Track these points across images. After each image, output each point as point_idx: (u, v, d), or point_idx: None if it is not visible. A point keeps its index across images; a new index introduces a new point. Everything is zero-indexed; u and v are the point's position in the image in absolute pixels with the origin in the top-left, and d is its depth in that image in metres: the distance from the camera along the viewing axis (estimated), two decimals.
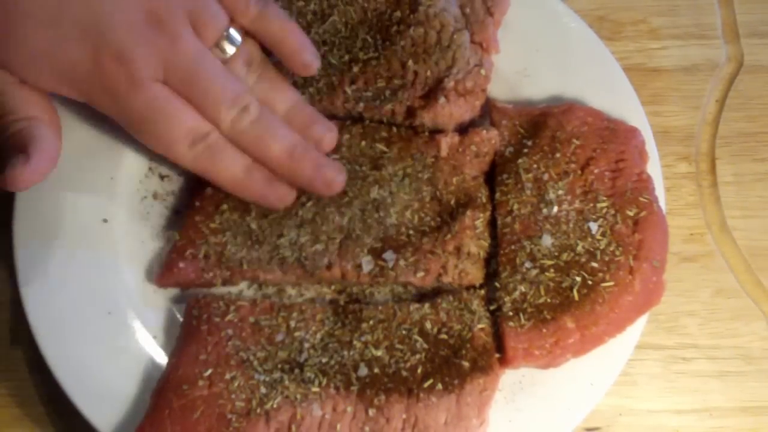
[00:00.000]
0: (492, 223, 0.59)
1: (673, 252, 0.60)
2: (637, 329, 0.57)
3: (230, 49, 0.54)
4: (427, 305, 0.57)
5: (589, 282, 0.55)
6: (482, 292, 0.57)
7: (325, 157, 0.57)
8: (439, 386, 0.53)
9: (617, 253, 0.56)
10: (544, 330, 0.54)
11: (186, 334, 0.57)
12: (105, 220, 0.60)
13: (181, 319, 0.58)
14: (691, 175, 0.66)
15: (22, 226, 0.59)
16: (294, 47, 0.56)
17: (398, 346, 0.55)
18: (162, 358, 0.57)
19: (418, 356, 0.55)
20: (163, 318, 0.58)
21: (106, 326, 0.57)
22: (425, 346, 0.55)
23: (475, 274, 0.58)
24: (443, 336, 0.55)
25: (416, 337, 0.55)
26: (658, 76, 0.69)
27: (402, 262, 0.57)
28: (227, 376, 0.54)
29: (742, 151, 0.66)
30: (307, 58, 0.56)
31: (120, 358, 0.56)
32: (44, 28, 0.50)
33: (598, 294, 0.55)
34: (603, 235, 0.57)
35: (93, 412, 0.55)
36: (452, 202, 0.59)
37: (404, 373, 0.54)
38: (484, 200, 0.60)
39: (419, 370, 0.54)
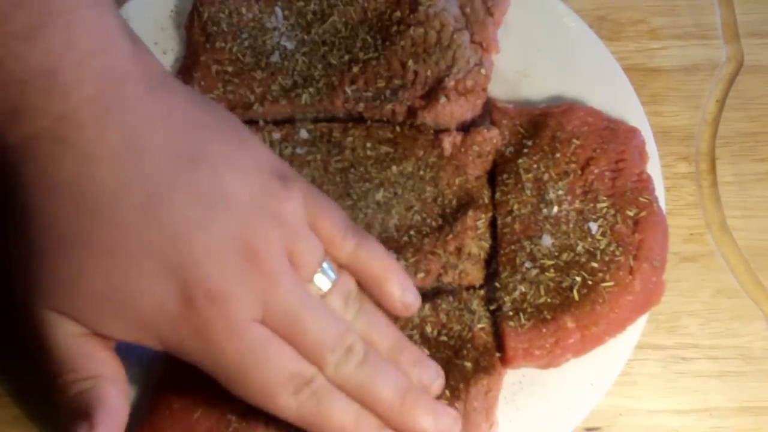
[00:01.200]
0: (492, 224, 0.59)
1: (673, 252, 0.60)
2: (637, 329, 0.57)
3: (326, 284, 0.49)
4: (427, 306, 0.56)
5: (589, 282, 0.55)
6: (482, 292, 0.57)
7: (439, 403, 0.51)
8: (446, 393, 0.53)
9: (617, 253, 0.56)
10: (544, 330, 0.54)
11: None
12: None
13: None
14: (691, 175, 0.66)
15: None
16: (394, 288, 0.51)
17: None
18: (162, 359, 0.57)
19: None
20: None
21: None
22: (426, 352, 0.55)
23: (475, 274, 0.58)
24: (443, 338, 0.55)
25: (418, 342, 0.55)
26: (658, 76, 0.69)
27: (402, 263, 0.57)
28: None
29: (742, 151, 0.66)
30: (409, 299, 0.51)
31: (119, 358, 0.56)
32: (122, 267, 0.44)
33: (598, 294, 0.55)
34: (603, 235, 0.57)
35: None
36: (454, 202, 0.59)
37: None
38: (486, 201, 0.60)
39: None
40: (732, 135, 0.67)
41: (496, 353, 0.55)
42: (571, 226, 0.57)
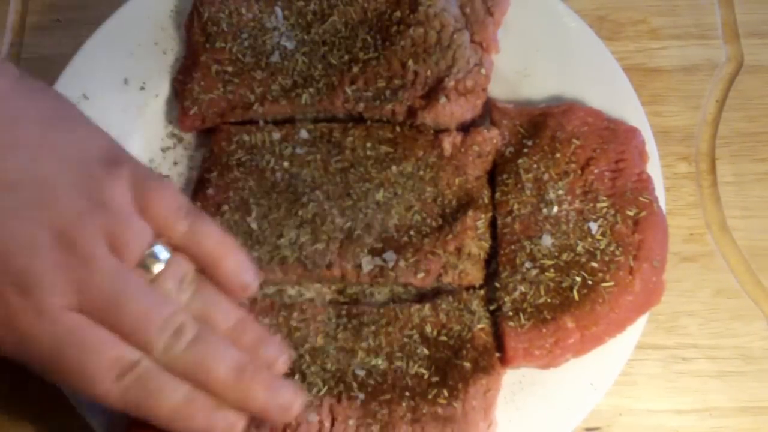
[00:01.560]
0: (492, 224, 0.59)
1: (673, 252, 0.60)
2: (637, 329, 0.57)
3: (156, 267, 0.47)
4: (427, 307, 0.56)
5: (589, 282, 0.55)
6: (482, 292, 0.57)
7: (279, 377, 0.49)
8: (445, 393, 0.53)
9: (617, 253, 0.56)
10: (544, 330, 0.54)
11: None
12: None
13: None
14: (691, 175, 0.66)
15: None
16: (230, 267, 0.49)
17: (399, 354, 0.55)
18: None
19: (420, 362, 0.55)
20: None
21: None
22: (426, 352, 0.55)
23: (475, 274, 0.58)
24: (443, 338, 0.55)
25: (417, 342, 0.55)
26: (658, 76, 0.69)
27: (402, 263, 0.57)
28: None
29: (742, 151, 0.66)
30: (246, 278, 0.50)
31: None
32: None
33: (598, 294, 0.55)
34: (603, 235, 0.57)
35: (93, 412, 0.55)
36: (454, 202, 0.59)
37: (408, 382, 0.54)
38: (486, 201, 0.60)
39: (423, 379, 0.54)
40: (732, 135, 0.67)
41: (496, 353, 0.55)
42: (571, 226, 0.57)
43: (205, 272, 0.49)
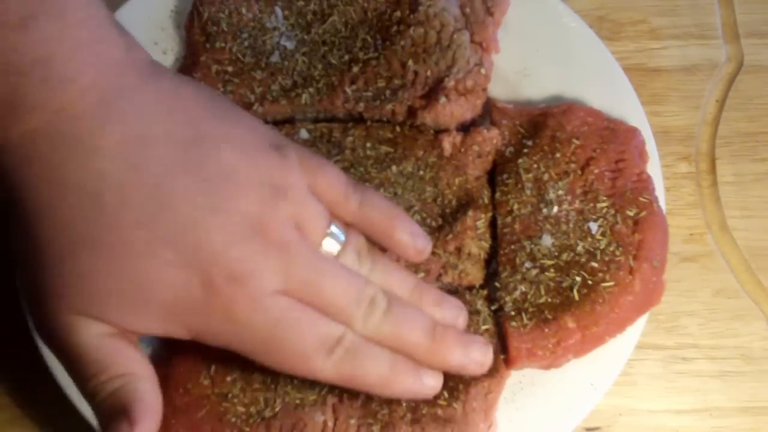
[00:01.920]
0: (492, 224, 0.59)
1: (673, 252, 0.60)
2: (637, 329, 0.57)
3: (336, 246, 0.49)
4: None
5: (590, 282, 0.55)
6: (485, 292, 0.57)
7: (468, 333, 0.53)
8: (445, 394, 0.53)
9: (617, 253, 0.56)
10: (546, 330, 0.54)
11: None
12: None
13: None
14: (691, 175, 0.66)
15: None
16: (404, 236, 0.51)
17: None
18: (162, 359, 0.57)
19: None
20: None
21: None
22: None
23: (475, 274, 0.58)
24: None
25: None
26: (658, 76, 0.69)
27: (402, 262, 0.57)
28: (229, 378, 0.54)
29: (742, 151, 0.67)
30: (420, 243, 0.52)
31: None
32: (139, 261, 0.43)
33: (598, 294, 0.55)
34: (603, 235, 0.57)
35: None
36: (454, 202, 0.59)
37: None
38: (486, 201, 0.60)
39: None
40: (732, 135, 0.67)
41: (501, 355, 0.55)
42: (571, 226, 0.57)
43: (379, 242, 0.52)
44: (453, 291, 0.58)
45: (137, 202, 0.43)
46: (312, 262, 0.47)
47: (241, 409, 0.53)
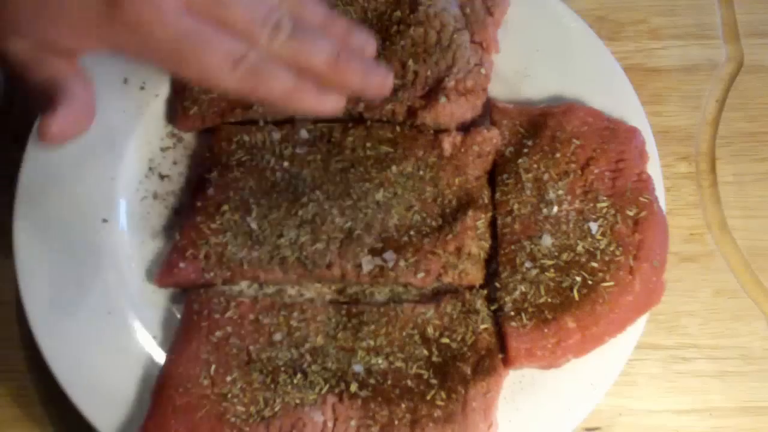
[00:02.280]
0: (492, 224, 0.59)
1: (673, 252, 0.60)
2: (637, 329, 0.57)
3: None
4: (431, 310, 0.56)
5: (590, 282, 0.55)
6: (484, 291, 0.57)
7: (370, 60, 0.54)
8: (443, 394, 0.53)
9: (617, 253, 0.56)
10: (546, 330, 0.54)
11: (186, 329, 0.57)
12: (105, 220, 0.60)
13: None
14: (691, 175, 0.66)
15: (22, 226, 0.59)
16: None
17: (399, 354, 0.55)
18: (162, 358, 0.57)
19: (420, 363, 0.55)
20: (163, 318, 0.58)
21: (106, 326, 0.57)
22: (425, 352, 0.55)
23: (475, 274, 0.58)
24: (445, 340, 0.55)
25: (418, 342, 0.55)
26: (658, 76, 0.69)
27: (402, 263, 0.57)
28: (228, 378, 0.54)
29: (742, 151, 0.66)
30: None
31: (120, 358, 0.56)
32: None
33: (598, 294, 0.55)
34: (603, 235, 0.57)
35: (93, 412, 0.55)
36: (454, 202, 0.59)
37: (408, 382, 0.54)
38: (486, 201, 0.60)
39: (422, 379, 0.54)
40: (732, 135, 0.67)
41: (499, 354, 0.55)
42: (571, 226, 0.57)
43: None
44: (453, 291, 0.58)
45: None
46: None
47: (240, 408, 0.54)
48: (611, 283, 0.55)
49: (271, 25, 0.50)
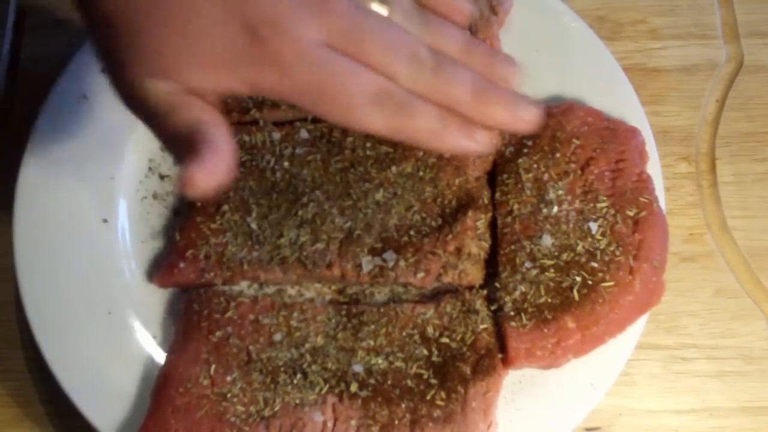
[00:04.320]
0: (492, 224, 0.59)
1: (673, 252, 0.60)
2: (637, 329, 0.57)
3: (382, 7, 0.50)
4: (431, 310, 0.56)
5: (589, 282, 0.55)
6: (484, 291, 0.57)
7: (514, 93, 0.52)
8: (443, 394, 0.53)
9: (617, 253, 0.56)
10: (546, 330, 0.54)
11: (186, 330, 0.57)
12: (105, 220, 0.60)
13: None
14: (691, 175, 0.66)
15: (22, 226, 0.59)
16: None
17: (399, 354, 0.55)
18: (162, 358, 0.57)
19: (420, 363, 0.55)
20: (163, 318, 0.58)
21: (106, 326, 0.57)
22: (425, 352, 0.55)
23: (475, 274, 0.58)
24: (445, 339, 0.55)
25: (417, 342, 0.55)
26: (658, 76, 0.69)
27: (402, 263, 0.57)
28: (228, 378, 0.54)
29: (742, 151, 0.66)
30: (461, 2, 0.52)
31: (120, 358, 0.56)
32: (192, 19, 0.46)
33: (598, 294, 0.55)
34: (603, 235, 0.57)
35: (93, 412, 0.55)
36: (454, 202, 0.59)
37: (408, 382, 0.54)
38: (486, 201, 0.60)
39: (422, 379, 0.54)
40: (732, 135, 0.67)
41: (499, 354, 0.55)
42: (571, 226, 0.57)
43: (423, 5, 0.52)
44: (453, 291, 0.58)
45: None
46: (357, 13, 0.47)
47: (240, 408, 0.54)
48: (611, 283, 0.55)
49: (412, 58, 0.48)
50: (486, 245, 0.59)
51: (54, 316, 0.57)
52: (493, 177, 0.61)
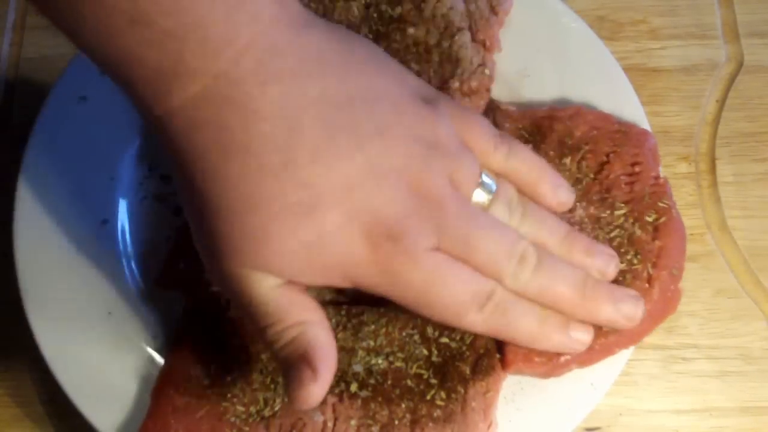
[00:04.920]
0: None
1: None
2: None
3: (487, 196, 0.50)
4: None
5: None
6: None
7: (618, 288, 0.53)
8: (443, 394, 0.53)
9: (635, 261, 0.54)
10: None
11: (186, 330, 0.57)
12: (105, 221, 0.60)
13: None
14: (691, 175, 0.66)
15: (22, 226, 0.59)
16: (548, 188, 0.53)
17: (399, 354, 0.55)
18: (162, 358, 0.57)
19: (420, 362, 0.55)
20: (163, 318, 0.58)
21: (106, 326, 0.57)
22: (425, 352, 0.55)
23: None
24: (445, 339, 0.55)
25: (418, 342, 0.55)
26: (658, 76, 0.69)
27: None
28: (228, 378, 0.54)
29: (742, 151, 0.66)
30: (563, 195, 0.54)
31: (120, 358, 0.56)
32: (304, 222, 0.45)
33: None
34: (620, 244, 0.55)
35: (93, 412, 0.55)
36: None
37: (408, 382, 0.54)
38: None
39: (422, 379, 0.54)
40: (732, 135, 0.67)
41: (497, 354, 0.55)
42: (587, 234, 0.55)
43: (524, 194, 0.53)
44: None
45: (300, 164, 0.44)
46: (465, 217, 0.48)
47: (240, 408, 0.54)
48: None
49: (516, 258, 0.49)
50: None
51: (54, 316, 0.57)
52: None
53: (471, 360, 0.54)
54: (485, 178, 0.50)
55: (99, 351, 0.56)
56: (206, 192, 0.45)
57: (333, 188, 0.45)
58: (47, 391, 0.59)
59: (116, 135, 0.62)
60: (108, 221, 0.60)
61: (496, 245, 0.49)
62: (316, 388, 0.45)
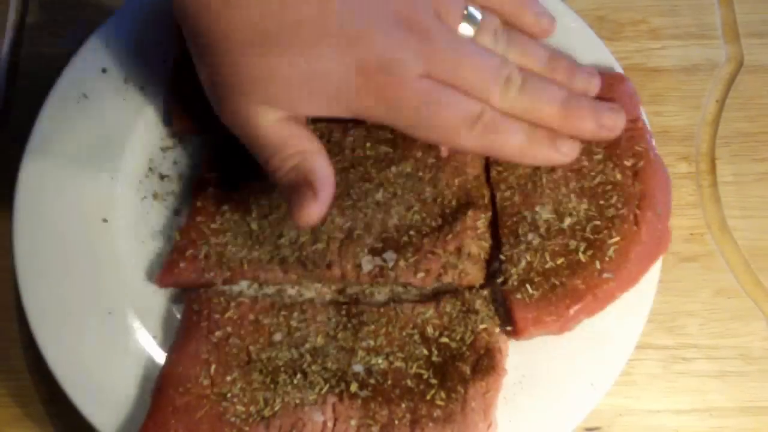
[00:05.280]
0: (493, 224, 0.59)
1: (673, 252, 0.60)
2: (636, 329, 0.57)
3: (472, 28, 0.54)
4: (431, 310, 0.56)
5: (595, 241, 0.55)
6: (485, 292, 0.57)
7: (599, 102, 0.56)
8: (443, 394, 0.53)
9: (619, 206, 0.56)
10: (553, 296, 0.54)
11: (186, 330, 0.57)
12: (105, 220, 0.60)
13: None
14: (691, 175, 0.66)
15: (22, 226, 0.59)
16: (531, 18, 0.57)
17: (399, 354, 0.55)
18: (162, 358, 0.57)
19: (420, 363, 0.55)
20: (163, 318, 0.58)
21: (106, 326, 0.57)
22: (425, 352, 0.55)
23: (475, 274, 0.58)
24: (445, 339, 0.55)
25: (418, 342, 0.56)
26: (658, 76, 0.69)
27: (402, 263, 0.57)
28: (228, 378, 0.54)
29: (742, 151, 0.67)
30: (545, 23, 0.57)
31: (120, 358, 0.56)
32: (309, 56, 0.50)
33: (605, 251, 0.55)
34: (604, 190, 0.57)
35: (93, 412, 0.55)
36: (453, 202, 0.59)
37: (408, 382, 0.54)
38: (486, 201, 0.60)
39: (422, 379, 0.54)
40: (732, 135, 0.67)
41: (497, 354, 0.55)
42: (570, 187, 0.58)
43: (509, 24, 0.56)
44: (453, 291, 0.58)
45: (303, 7, 0.49)
46: (451, 45, 0.51)
47: (240, 408, 0.54)
48: (617, 239, 0.55)
49: (502, 80, 0.52)
50: (486, 245, 0.59)
51: (54, 316, 0.57)
52: (487, 165, 0.61)
53: (471, 360, 0.54)
54: (471, 10, 0.53)
55: (99, 351, 0.56)
56: (214, 33, 0.50)
57: (331, 23, 0.49)
58: (47, 391, 0.59)
59: (116, 134, 0.62)
60: (108, 220, 0.60)
61: (482, 69, 0.52)
62: (317, 207, 0.51)
